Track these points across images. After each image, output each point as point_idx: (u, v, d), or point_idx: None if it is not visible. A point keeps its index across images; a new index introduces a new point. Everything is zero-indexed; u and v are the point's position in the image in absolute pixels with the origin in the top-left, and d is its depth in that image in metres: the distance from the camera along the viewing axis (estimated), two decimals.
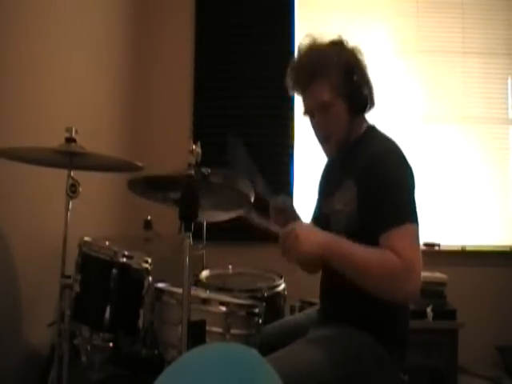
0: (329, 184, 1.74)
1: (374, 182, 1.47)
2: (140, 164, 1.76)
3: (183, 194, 1.42)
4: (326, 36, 1.63)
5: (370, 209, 1.46)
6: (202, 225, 2.66)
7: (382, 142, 1.58)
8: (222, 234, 3.02)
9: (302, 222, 1.63)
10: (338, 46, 1.61)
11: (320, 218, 1.75)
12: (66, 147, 1.65)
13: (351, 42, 1.63)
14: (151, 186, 1.60)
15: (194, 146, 1.52)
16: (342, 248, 1.39)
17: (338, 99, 1.57)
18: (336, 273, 1.56)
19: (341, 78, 1.55)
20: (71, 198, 1.68)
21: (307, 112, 1.65)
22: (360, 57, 1.61)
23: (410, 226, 1.41)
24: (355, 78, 1.55)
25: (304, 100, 1.66)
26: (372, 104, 1.63)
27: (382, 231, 1.41)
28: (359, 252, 1.38)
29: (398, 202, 1.44)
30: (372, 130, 1.65)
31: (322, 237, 1.42)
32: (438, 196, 3.27)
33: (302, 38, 1.65)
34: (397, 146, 1.56)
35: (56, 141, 1.69)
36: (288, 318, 2.07)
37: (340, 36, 1.63)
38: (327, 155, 1.70)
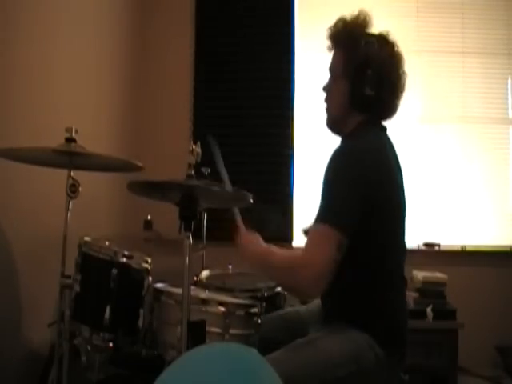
0: None
1: (324, 175, 1.49)
2: (140, 164, 1.76)
3: (182, 195, 1.42)
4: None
5: None
6: (202, 225, 2.66)
7: (355, 140, 1.57)
8: (222, 233, 3.03)
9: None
10: (378, 40, 1.62)
11: None
12: (65, 147, 1.65)
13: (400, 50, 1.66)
14: (151, 189, 1.60)
15: (193, 146, 1.52)
16: (260, 260, 1.56)
17: (344, 78, 1.60)
18: (336, 273, 1.56)
19: (356, 65, 1.57)
20: (71, 197, 1.68)
21: (328, 69, 1.71)
22: (393, 62, 1.61)
23: (326, 228, 1.40)
24: (367, 74, 1.55)
25: (331, 58, 1.71)
26: (380, 111, 1.63)
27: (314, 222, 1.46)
28: (274, 255, 1.53)
29: (325, 201, 1.46)
30: (364, 126, 1.61)
31: (252, 250, 1.58)
32: (437, 196, 3.27)
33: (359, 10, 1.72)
34: (372, 145, 1.54)
35: (56, 141, 1.69)
36: (288, 309, 2.06)
37: (388, 34, 1.66)
38: (326, 124, 1.72)
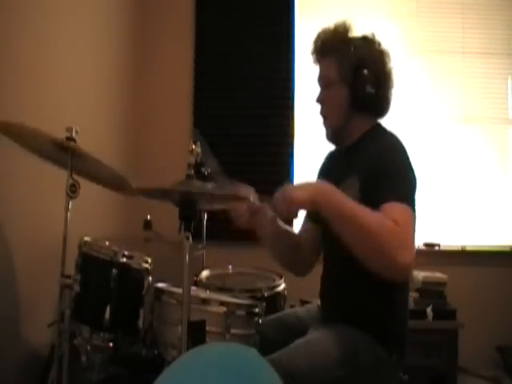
0: (330, 181, 1.74)
1: (379, 169, 1.46)
2: (133, 186, 1.71)
3: (182, 196, 1.42)
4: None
5: (372, 191, 1.43)
6: (201, 225, 2.66)
7: (388, 140, 1.59)
8: (222, 233, 3.03)
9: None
10: (365, 40, 1.64)
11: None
12: (65, 143, 1.65)
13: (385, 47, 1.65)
14: (150, 194, 1.60)
15: (193, 146, 1.52)
16: (338, 199, 1.35)
17: (341, 83, 1.60)
18: (335, 272, 1.56)
19: (351, 67, 1.58)
20: (71, 197, 1.68)
21: (317, 81, 1.70)
22: (383, 59, 1.62)
23: (408, 208, 1.38)
24: (365, 73, 1.56)
25: (318, 70, 1.70)
26: (380, 108, 1.64)
27: (383, 202, 1.37)
28: (358, 207, 1.34)
29: (400, 184, 1.44)
30: (378, 127, 1.66)
31: (318, 184, 1.40)
32: (438, 196, 3.27)
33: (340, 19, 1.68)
34: (402, 144, 1.57)
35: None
36: (288, 311, 2.06)
37: (373, 34, 1.65)
38: (326, 138, 1.71)
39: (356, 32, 1.67)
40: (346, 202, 1.35)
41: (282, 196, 1.37)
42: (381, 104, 1.63)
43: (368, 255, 1.32)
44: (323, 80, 1.66)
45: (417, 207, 1.46)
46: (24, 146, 1.72)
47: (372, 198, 1.40)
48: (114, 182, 1.84)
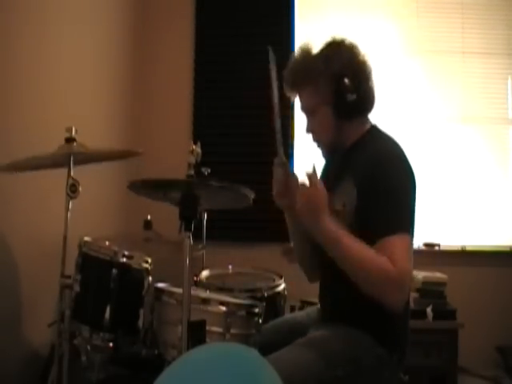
0: (329, 181, 1.74)
1: (375, 186, 1.46)
2: (140, 150, 1.76)
3: (183, 194, 1.42)
4: (325, 39, 1.63)
5: (368, 212, 1.46)
6: (201, 224, 2.67)
7: (384, 144, 1.58)
8: (222, 233, 3.03)
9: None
10: (331, 50, 1.60)
11: None
12: (65, 148, 1.65)
13: (349, 40, 1.61)
14: (151, 188, 1.60)
15: (193, 146, 1.52)
16: (340, 237, 1.40)
17: (322, 105, 1.59)
18: (335, 273, 1.56)
19: (327, 85, 1.56)
20: (71, 197, 1.68)
21: (302, 112, 1.70)
22: (355, 57, 1.59)
23: (405, 237, 1.41)
24: (345, 83, 1.54)
25: (300, 102, 1.70)
26: (367, 104, 1.62)
27: (379, 236, 1.40)
28: (357, 245, 1.39)
29: (397, 210, 1.44)
30: (374, 130, 1.65)
31: (327, 223, 1.41)
32: (438, 196, 3.27)
33: (299, 44, 1.66)
34: (399, 147, 1.56)
35: (56, 140, 1.69)
36: (288, 315, 2.07)
37: (334, 37, 1.62)
38: (322, 156, 1.74)
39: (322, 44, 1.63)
40: (344, 243, 1.40)
41: (306, 201, 1.43)
42: (365, 101, 1.60)
43: (365, 289, 1.39)
44: (307, 109, 1.66)
45: (417, 208, 1.47)
46: (26, 170, 1.75)
47: (368, 215, 1.45)
48: (119, 155, 1.93)
